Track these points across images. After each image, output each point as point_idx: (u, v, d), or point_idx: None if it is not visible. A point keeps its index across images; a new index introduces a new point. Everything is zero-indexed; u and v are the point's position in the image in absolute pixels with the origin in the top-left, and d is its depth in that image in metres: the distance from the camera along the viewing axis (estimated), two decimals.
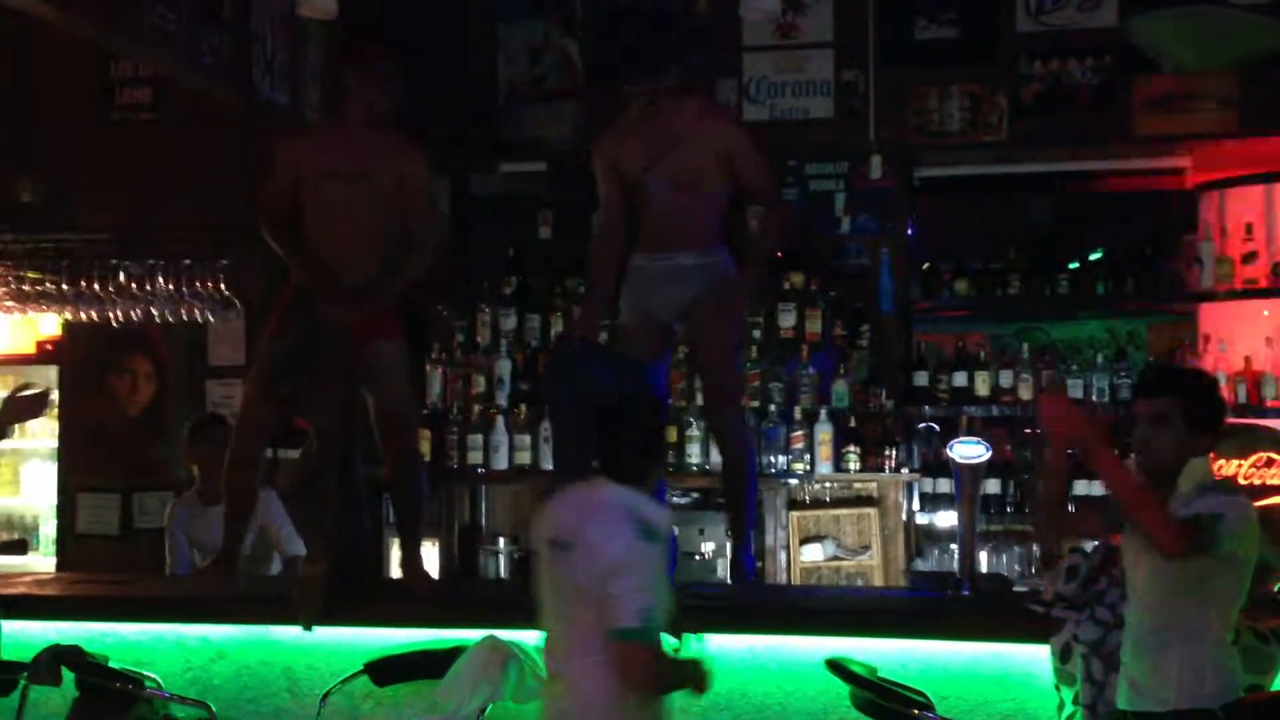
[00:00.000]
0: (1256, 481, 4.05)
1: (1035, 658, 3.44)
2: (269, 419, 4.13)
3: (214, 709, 3.69)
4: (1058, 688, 3.36)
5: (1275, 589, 3.87)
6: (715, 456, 5.60)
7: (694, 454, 5.64)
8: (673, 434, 5.59)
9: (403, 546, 4.23)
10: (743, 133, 4.09)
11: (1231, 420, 5.06)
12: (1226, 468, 4.06)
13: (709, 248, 3.96)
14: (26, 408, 4.10)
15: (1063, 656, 3.36)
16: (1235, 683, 3.05)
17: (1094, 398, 5.74)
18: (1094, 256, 6.29)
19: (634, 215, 4.08)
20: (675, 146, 3.87)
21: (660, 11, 4.04)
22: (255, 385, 4.10)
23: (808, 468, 5.60)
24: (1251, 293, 5.54)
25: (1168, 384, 3.25)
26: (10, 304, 5.87)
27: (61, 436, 6.57)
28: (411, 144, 4.09)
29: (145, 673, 3.74)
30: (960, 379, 5.88)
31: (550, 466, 5.70)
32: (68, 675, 3.65)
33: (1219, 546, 2.96)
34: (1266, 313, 5.57)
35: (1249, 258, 5.54)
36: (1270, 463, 4.08)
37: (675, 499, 6.01)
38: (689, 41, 6.17)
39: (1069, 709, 3.33)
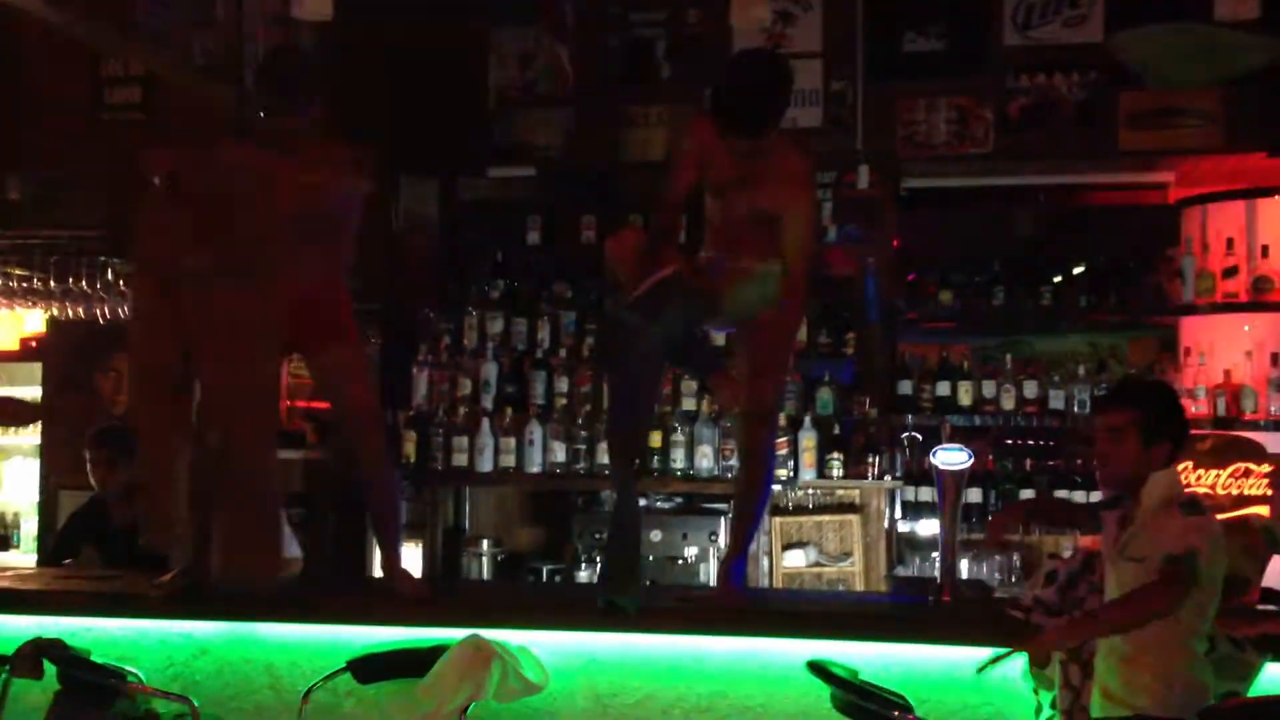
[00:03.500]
0: (1234, 491, 4.10)
1: (1014, 663, 3.46)
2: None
3: (196, 704, 3.68)
4: (1035, 692, 3.39)
5: (1258, 599, 3.93)
6: (700, 462, 5.65)
7: (678, 459, 5.66)
8: (657, 438, 5.62)
9: (381, 548, 4.22)
10: (806, 204, 4.00)
11: (1213, 432, 5.13)
12: (1205, 477, 4.11)
13: (769, 257, 3.94)
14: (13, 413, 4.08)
15: (1041, 661, 3.40)
16: (1205, 692, 3.10)
17: (1075, 409, 5.80)
18: (1077, 270, 6.35)
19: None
20: (755, 182, 3.86)
21: (782, 68, 4.00)
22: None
23: (791, 474, 5.63)
24: (1232, 307, 5.60)
25: (1124, 397, 3.31)
26: None
27: (44, 434, 6.56)
28: (339, 152, 4.05)
29: (127, 667, 3.73)
30: (944, 388, 5.92)
31: (535, 468, 5.74)
32: (50, 669, 3.64)
33: (1199, 581, 3.03)
34: (1247, 327, 5.63)
35: (1229, 272, 5.60)
36: (1248, 473, 4.13)
37: (659, 504, 6.04)
38: (680, 50, 6.24)
39: (1046, 712, 3.37)
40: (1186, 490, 3.34)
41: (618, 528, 3.87)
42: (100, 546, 4.74)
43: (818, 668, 3.38)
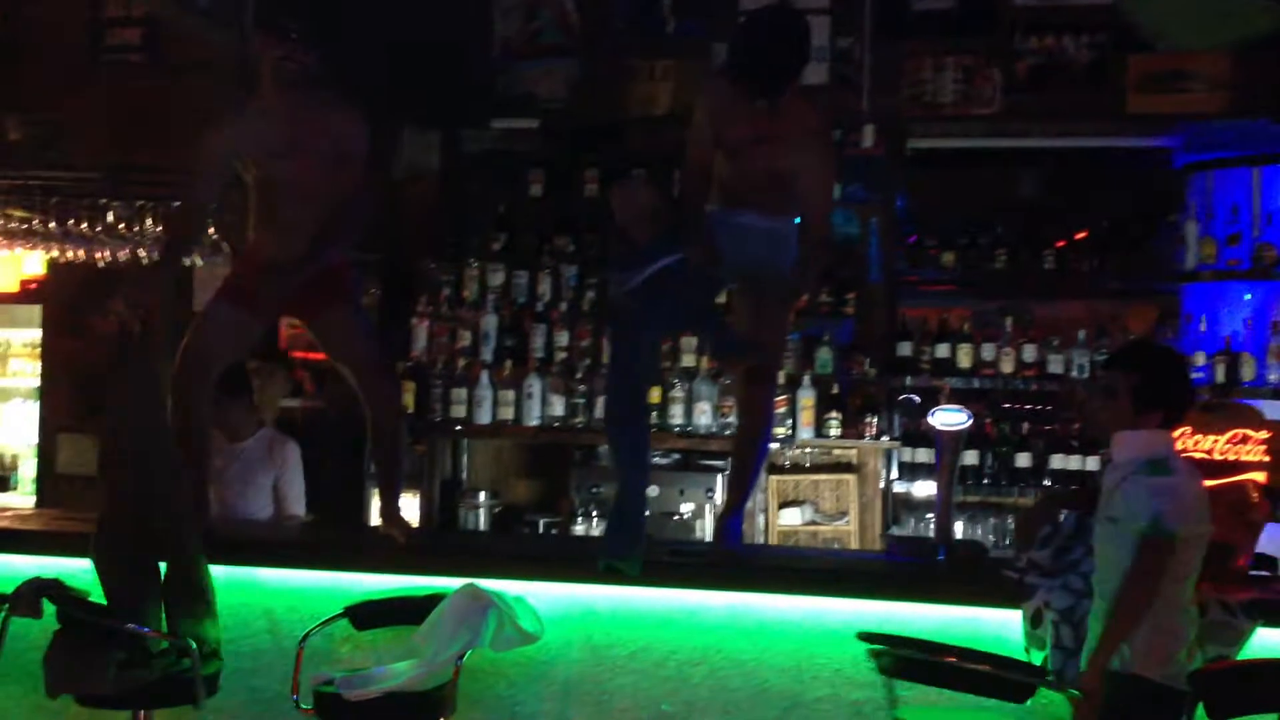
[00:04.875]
0: (1231, 457, 4.11)
1: (1007, 622, 3.49)
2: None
3: (194, 647, 3.70)
4: (1027, 650, 3.41)
5: (1249, 565, 3.95)
6: (698, 418, 5.66)
7: (676, 415, 5.68)
8: (656, 395, 5.63)
9: (381, 496, 4.24)
10: (825, 162, 3.98)
11: (1217, 399, 5.14)
12: (1203, 442, 4.12)
13: (778, 214, 3.92)
14: None
15: (1034, 621, 3.42)
16: (1185, 652, 3.13)
17: (1074, 373, 5.80)
18: (1080, 235, 6.33)
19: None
20: (769, 140, 3.83)
21: (799, 27, 3.92)
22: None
23: (789, 432, 5.64)
24: (1234, 274, 5.59)
25: (1123, 359, 3.32)
26: None
27: (43, 376, 6.56)
28: (346, 109, 4.01)
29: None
30: (943, 350, 5.93)
31: (533, 421, 5.74)
32: (49, 609, 3.66)
33: (1175, 540, 3.05)
34: (1248, 296, 5.62)
35: (1233, 239, 5.59)
36: (1245, 439, 4.14)
37: (656, 459, 6.06)
38: (687, 4, 6.18)
39: None
40: (1174, 452, 3.31)
41: (622, 489, 3.87)
42: None
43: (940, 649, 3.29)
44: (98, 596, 3.68)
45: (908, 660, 3.25)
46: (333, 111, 3.98)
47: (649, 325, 3.82)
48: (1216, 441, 4.13)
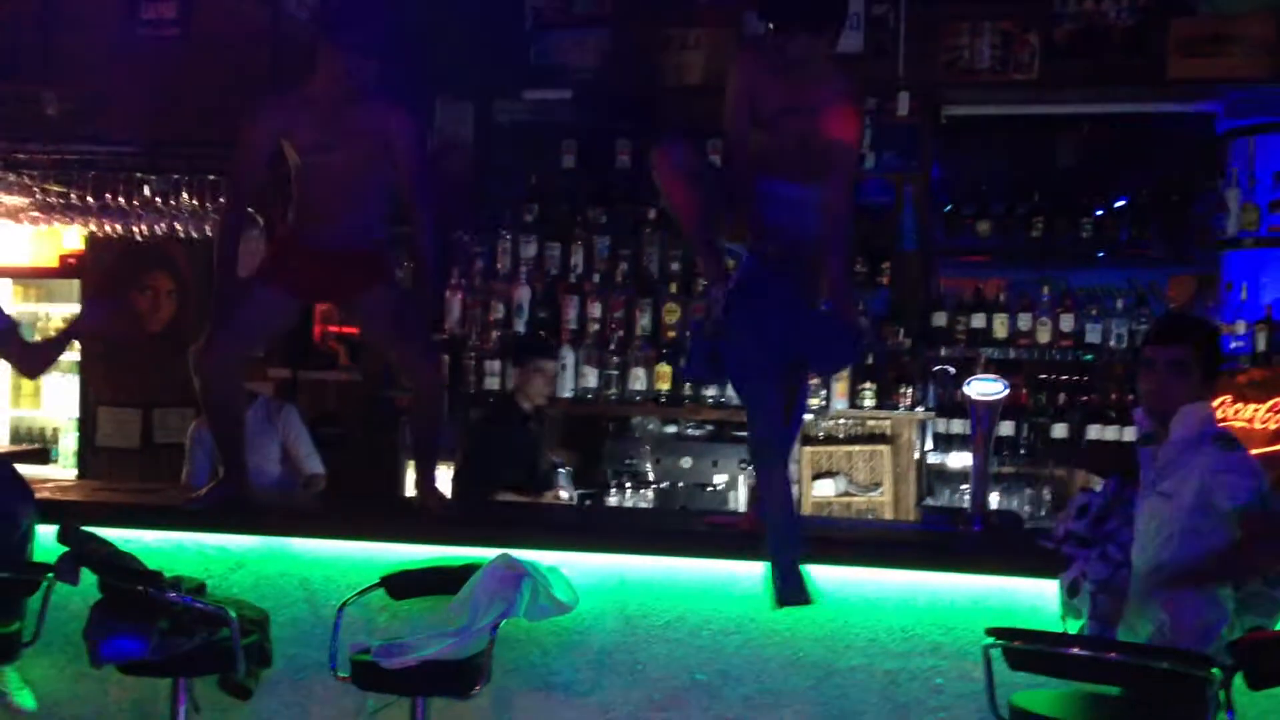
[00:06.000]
0: (1273, 426, 4.07)
1: (1043, 592, 3.47)
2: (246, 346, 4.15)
3: (233, 615, 3.74)
4: (1063, 619, 3.40)
5: None
6: (730, 390, 5.64)
7: (710, 387, 5.67)
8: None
9: (417, 467, 4.26)
10: (851, 133, 3.87)
11: (1254, 366, 5.08)
12: (1244, 411, 4.07)
13: (809, 184, 3.88)
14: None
15: (1070, 591, 3.40)
16: (1227, 627, 3.10)
17: (1112, 344, 5.75)
18: (1118, 203, 6.25)
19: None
20: (800, 111, 3.79)
21: None
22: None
23: (823, 403, 5.62)
24: (1276, 241, 5.51)
25: (1186, 332, 3.29)
26: (34, 215, 5.90)
27: (83, 351, 6.63)
28: (395, 107, 4.00)
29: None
30: (979, 320, 5.88)
31: (567, 393, 5.74)
32: (88, 577, 3.71)
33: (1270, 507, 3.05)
34: None
35: (1275, 206, 5.50)
36: None
37: (690, 431, 6.06)
38: None
39: None
40: (1221, 424, 3.30)
41: (774, 531, 3.65)
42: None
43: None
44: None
45: (1047, 656, 3.07)
46: (383, 111, 3.96)
47: (760, 362, 3.73)
48: (1257, 411, 4.09)
